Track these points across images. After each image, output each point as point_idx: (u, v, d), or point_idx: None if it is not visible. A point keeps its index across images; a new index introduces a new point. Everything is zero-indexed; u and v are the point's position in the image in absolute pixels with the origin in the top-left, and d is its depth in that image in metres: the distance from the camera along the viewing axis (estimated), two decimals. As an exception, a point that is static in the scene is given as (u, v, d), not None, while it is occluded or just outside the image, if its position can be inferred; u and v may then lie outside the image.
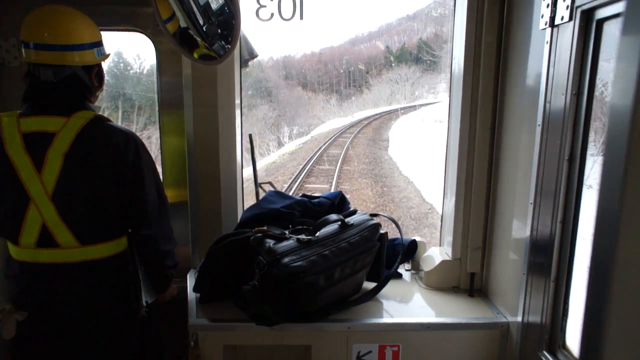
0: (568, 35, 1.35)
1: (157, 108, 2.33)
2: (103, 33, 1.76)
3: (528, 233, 1.56)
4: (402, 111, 24.35)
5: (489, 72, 1.84)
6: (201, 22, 1.83)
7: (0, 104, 2.07)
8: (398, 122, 21.79)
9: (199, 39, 1.86)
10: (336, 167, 11.94)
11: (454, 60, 2.00)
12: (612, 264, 0.91)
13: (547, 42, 1.45)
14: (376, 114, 25.19)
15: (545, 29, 1.45)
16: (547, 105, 1.45)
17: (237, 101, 2.13)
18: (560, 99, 1.39)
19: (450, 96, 2.05)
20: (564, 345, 1.47)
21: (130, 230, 1.77)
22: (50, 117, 1.59)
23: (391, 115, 24.13)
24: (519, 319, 1.64)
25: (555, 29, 1.42)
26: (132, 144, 1.66)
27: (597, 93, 1.33)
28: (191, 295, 1.92)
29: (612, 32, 1.28)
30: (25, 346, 1.69)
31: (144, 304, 1.81)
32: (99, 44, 1.70)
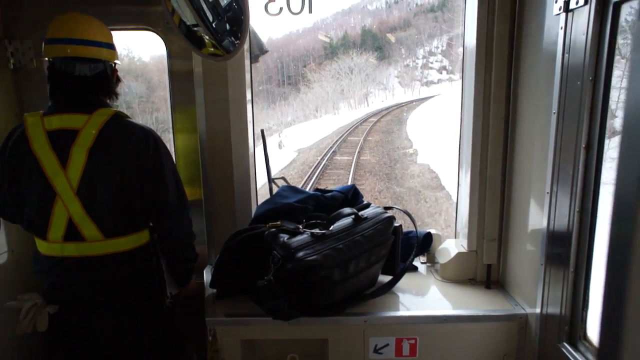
0: (583, 19, 1.32)
1: (169, 106, 2.35)
2: (115, 32, 1.81)
3: (545, 223, 1.53)
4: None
5: (502, 60, 1.81)
6: (210, 18, 1.83)
7: (18, 105, 2.11)
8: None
9: (207, 37, 1.87)
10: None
11: (465, 50, 1.97)
12: (630, 252, 0.89)
13: (561, 28, 1.41)
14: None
15: (559, 14, 1.42)
16: (563, 92, 1.42)
17: (249, 97, 2.13)
18: (576, 86, 1.36)
19: (462, 86, 2.02)
20: (584, 337, 1.45)
21: (151, 224, 1.81)
22: (73, 114, 1.65)
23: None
24: (538, 310, 1.62)
25: (570, 14, 1.38)
26: (152, 140, 1.71)
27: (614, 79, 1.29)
28: (208, 291, 1.94)
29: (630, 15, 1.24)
30: (57, 337, 1.76)
31: (169, 295, 1.85)
32: (114, 47, 1.79)
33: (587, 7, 1.30)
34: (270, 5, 2.03)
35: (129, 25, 2.20)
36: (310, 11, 2.11)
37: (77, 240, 1.66)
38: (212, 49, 1.89)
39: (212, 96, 2.09)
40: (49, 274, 1.71)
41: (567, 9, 1.38)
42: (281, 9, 2.06)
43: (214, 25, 1.84)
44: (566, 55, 1.40)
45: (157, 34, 2.21)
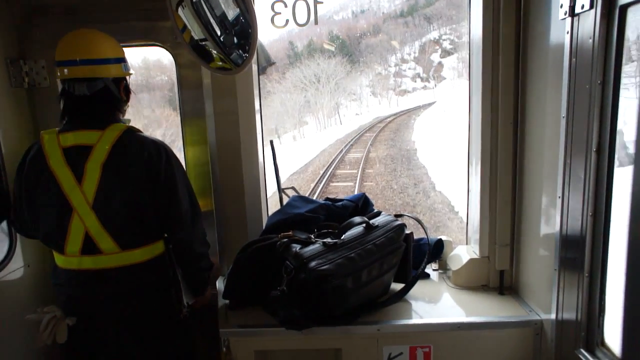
0: (590, 23, 1.32)
1: (179, 119, 2.38)
2: (126, 49, 1.84)
3: (558, 228, 1.52)
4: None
5: (509, 65, 1.81)
6: (218, 32, 1.87)
7: (33, 123, 2.16)
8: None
9: (214, 52, 1.90)
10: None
11: (471, 55, 1.98)
12: None
13: (567, 32, 1.42)
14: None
15: (565, 18, 1.42)
16: (571, 96, 1.42)
17: (257, 108, 2.15)
18: (584, 89, 1.36)
19: (469, 92, 2.02)
20: (602, 343, 1.43)
21: (166, 235, 1.84)
22: (87, 131, 1.69)
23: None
24: (553, 316, 1.60)
25: (575, 18, 1.39)
26: (164, 153, 1.74)
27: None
28: (221, 302, 1.95)
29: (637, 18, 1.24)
30: (76, 348, 1.78)
31: (186, 304, 1.87)
32: (123, 60, 1.81)
33: (592, 11, 1.30)
34: (276, 18, 2.06)
35: (139, 41, 2.24)
36: (316, 22, 2.14)
37: (94, 253, 1.69)
38: (220, 63, 1.92)
39: (221, 108, 2.11)
40: (67, 286, 1.75)
41: (572, 13, 1.39)
42: (287, 21, 2.09)
43: (222, 39, 1.87)
44: (573, 59, 1.40)
45: (166, 49, 2.24)
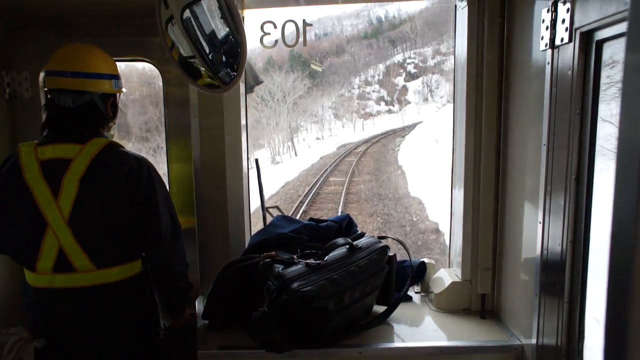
0: (568, 56, 1.37)
1: (164, 135, 2.36)
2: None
3: (538, 252, 1.55)
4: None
5: (492, 93, 1.86)
6: (207, 50, 1.87)
7: (13, 135, 2.11)
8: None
9: (203, 69, 1.90)
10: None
11: (456, 83, 2.03)
12: (631, 282, 0.90)
13: (548, 63, 1.47)
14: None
15: (545, 50, 1.48)
16: (552, 124, 1.46)
17: (243, 126, 2.15)
18: (564, 119, 1.40)
19: (454, 118, 2.07)
20: None
21: (144, 254, 1.79)
22: (67, 144, 1.65)
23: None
24: (534, 341, 1.61)
25: (555, 50, 1.44)
26: (145, 169, 1.71)
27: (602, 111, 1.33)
28: (200, 322, 1.90)
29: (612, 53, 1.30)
30: None
31: (162, 326, 1.81)
32: (116, 77, 1.80)
33: (571, 44, 1.36)
34: (265, 38, 2.08)
35: (127, 56, 2.23)
36: (304, 44, 2.17)
37: (68, 271, 1.63)
38: (208, 80, 1.92)
39: (207, 125, 2.11)
40: (36, 306, 1.68)
41: (552, 45, 1.44)
42: (276, 41, 2.12)
43: (210, 57, 1.88)
44: (554, 89, 1.45)
45: (154, 64, 2.24)
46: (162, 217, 1.72)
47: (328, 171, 16.69)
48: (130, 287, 1.74)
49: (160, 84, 2.27)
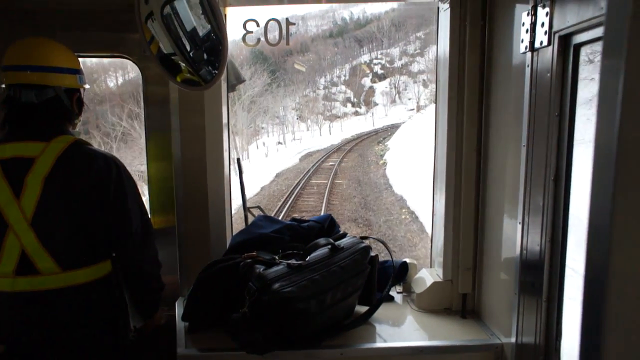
0: (547, 59, 1.39)
1: (144, 133, 2.32)
2: (91, 60, 1.78)
3: (518, 252, 1.57)
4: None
5: (473, 95, 1.88)
6: (188, 47, 1.84)
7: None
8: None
9: (183, 65, 1.87)
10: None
11: (438, 84, 2.04)
12: (606, 281, 0.92)
13: (528, 66, 1.49)
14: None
15: (525, 52, 1.50)
16: (531, 126, 1.48)
17: (225, 125, 2.13)
18: (543, 120, 1.42)
19: (436, 120, 2.08)
20: None
21: (114, 254, 1.74)
22: (30, 142, 1.59)
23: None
24: (513, 340, 1.63)
25: (535, 53, 1.46)
26: (114, 168, 1.66)
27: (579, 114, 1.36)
28: (180, 324, 1.87)
29: (589, 56, 1.32)
30: None
31: (132, 328, 1.76)
32: (79, 72, 1.74)
33: (550, 47, 1.38)
34: (248, 37, 2.06)
35: (105, 52, 2.18)
36: (287, 43, 2.16)
37: (31, 273, 1.57)
38: (188, 75, 1.89)
39: (188, 123, 2.07)
40: None
41: (532, 48, 1.46)
42: (259, 39, 2.10)
43: (191, 54, 1.85)
44: (533, 91, 1.47)
45: (133, 61, 2.20)
46: (132, 217, 1.68)
47: (284, 212, 9.86)
48: (98, 289, 1.68)
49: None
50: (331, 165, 16.21)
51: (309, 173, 15.02)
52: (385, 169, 15.23)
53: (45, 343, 1.61)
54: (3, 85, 1.65)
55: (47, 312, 1.59)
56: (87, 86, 1.79)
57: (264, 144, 26.75)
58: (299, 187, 12.49)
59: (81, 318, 1.64)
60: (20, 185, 1.54)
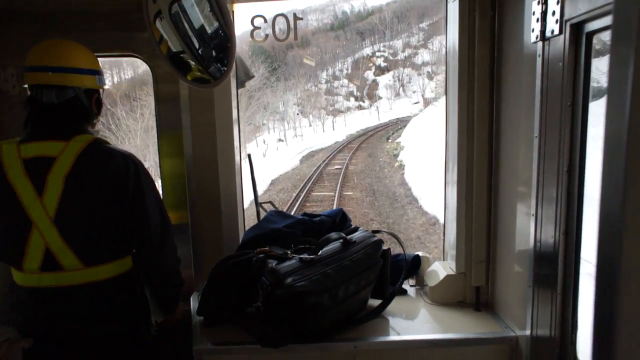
0: (559, 48, 1.37)
1: (155, 131, 2.35)
2: (102, 59, 1.80)
3: (532, 245, 1.55)
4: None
5: (484, 86, 1.86)
6: (196, 45, 1.85)
7: (1, 132, 2.08)
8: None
9: (193, 63, 1.88)
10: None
11: (448, 76, 2.02)
12: (618, 273, 0.90)
13: (539, 55, 1.46)
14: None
15: (536, 42, 1.47)
16: (543, 117, 1.46)
17: (235, 122, 2.14)
18: (555, 111, 1.40)
19: (446, 113, 2.06)
20: (575, 359, 1.45)
21: (134, 250, 1.77)
22: (50, 141, 1.62)
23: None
24: (528, 332, 1.62)
25: (546, 42, 1.43)
26: (132, 165, 1.68)
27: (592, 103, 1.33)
28: (195, 318, 1.90)
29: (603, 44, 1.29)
30: None
31: (154, 322, 1.80)
32: (99, 72, 1.77)
33: (561, 36, 1.35)
34: (256, 32, 2.06)
35: (115, 51, 2.20)
36: (295, 37, 2.16)
37: (55, 270, 1.62)
38: (198, 73, 1.91)
39: (198, 120, 2.09)
40: (24, 305, 1.65)
41: (543, 37, 1.44)
42: (267, 35, 2.10)
43: (200, 52, 1.86)
44: (544, 81, 1.44)
45: (143, 60, 2.22)
46: (151, 214, 1.70)
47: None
48: (120, 285, 1.72)
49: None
50: (337, 169, 13.76)
51: (310, 182, 12.52)
52: (403, 173, 12.81)
53: (69, 338, 1.65)
54: (26, 86, 1.69)
55: (70, 307, 1.64)
56: (106, 86, 1.82)
57: (264, 141, 25.34)
58: (298, 202, 9.88)
59: (104, 313, 1.68)
60: (42, 184, 1.58)
